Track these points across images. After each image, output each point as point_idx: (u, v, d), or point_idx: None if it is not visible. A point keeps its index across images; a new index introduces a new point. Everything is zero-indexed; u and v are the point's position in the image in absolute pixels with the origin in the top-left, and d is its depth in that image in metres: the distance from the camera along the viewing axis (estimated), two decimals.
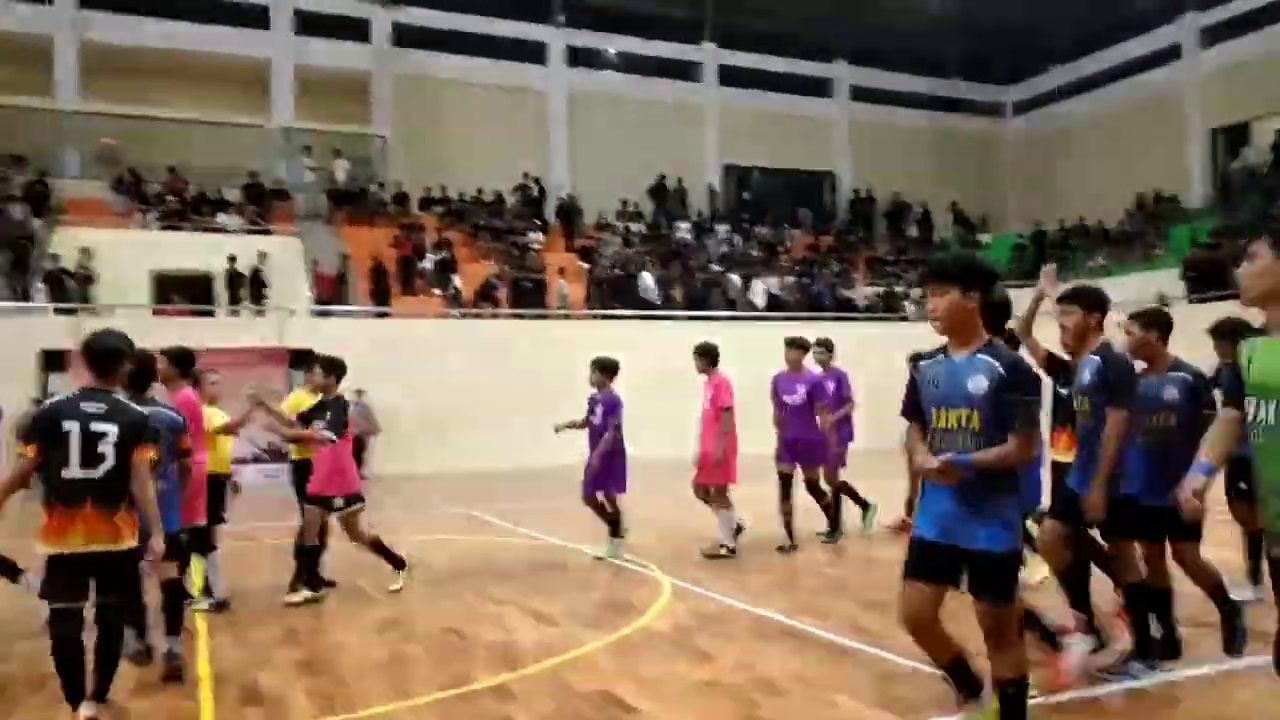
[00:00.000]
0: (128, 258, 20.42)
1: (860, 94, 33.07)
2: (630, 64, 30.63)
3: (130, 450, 4.78)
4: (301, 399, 8.53)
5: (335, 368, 8.03)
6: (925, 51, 33.14)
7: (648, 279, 23.68)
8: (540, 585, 8.12)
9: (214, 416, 7.80)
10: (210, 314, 20.98)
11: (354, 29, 27.49)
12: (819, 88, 32.84)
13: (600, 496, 9.20)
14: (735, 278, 25.22)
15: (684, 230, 27.90)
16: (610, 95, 29.80)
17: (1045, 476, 5.81)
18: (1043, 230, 28.22)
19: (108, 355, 4.95)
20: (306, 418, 7.88)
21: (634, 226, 27.64)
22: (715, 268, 26.02)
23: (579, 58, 29.88)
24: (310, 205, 24.91)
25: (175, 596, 5.82)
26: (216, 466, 7.79)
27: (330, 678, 5.59)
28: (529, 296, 22.61)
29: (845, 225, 31.37)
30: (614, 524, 9.22)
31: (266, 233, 23.29)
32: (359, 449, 19.08)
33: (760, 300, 24.74)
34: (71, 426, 4.72)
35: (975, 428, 3.66)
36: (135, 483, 4.80)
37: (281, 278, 21.73)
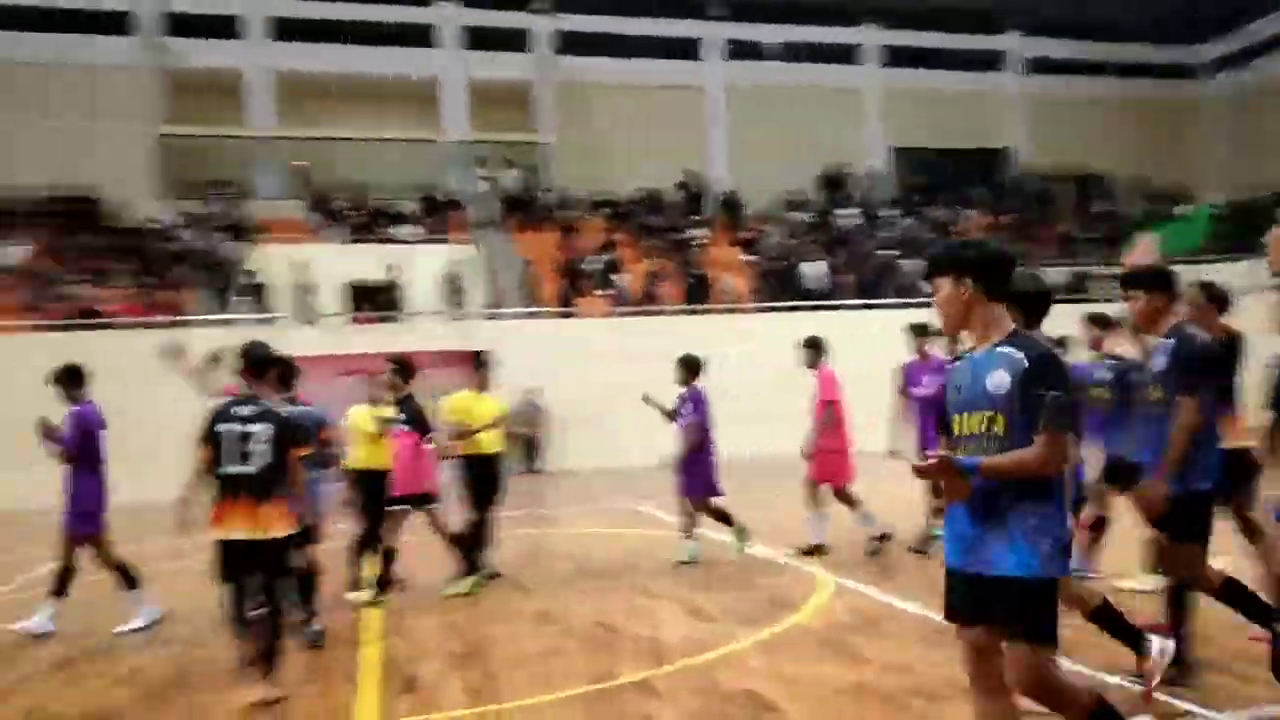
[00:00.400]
0: (322, 271, 21.78)
1: (1036, 65, 31.38)
2: (787, 53, 30.18)
3: (284, 448, 5.23)
4: (464, 401, 8.76)
5: (403, 370, 8.16)
6: (1107, 16, 31.06)
7: (814, 268, 23.28)
8: (699, 581, 8.08)
9: (372, 418, 8.16)
10: (394, 319, 22.10)
11: (515, 40, 28.32)
12: (989, 62, 31.38)
13: (690, 500, 8.91)
14: (908, 263, 24.43)
15: (849, 216, 27.24)
16: (768, 85, 29.45)
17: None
18: (1246, 198, 25.90)
19: (261, 362, 5.44)
20: (389, 421, 7.97)
21: (798, 216, 27.20)
22: (885, 253, 25.30)
23: (735, 50, 29.69)
24: (483, 214, 25.83)
25: (309, 580, 6.41)
26: (380, 463, 8.17)
27: (482, 669, 5.73)
28: (694, 293, 22.63)
29: (1024, 203, 29.80)
30: (720, 521, 8.91)
31: (443, 242, 24.35)
32: (531, 446, 19.81)
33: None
34: (227, 429, 5.19)
35: (999, 431, 3.11)
36: (290, 476, 5.25)
37: (459, 284, 22.65)
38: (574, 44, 28.49)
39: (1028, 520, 3.07)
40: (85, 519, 7.03)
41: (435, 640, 6.48)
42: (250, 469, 5.20)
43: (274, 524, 5.20)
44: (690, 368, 9.11)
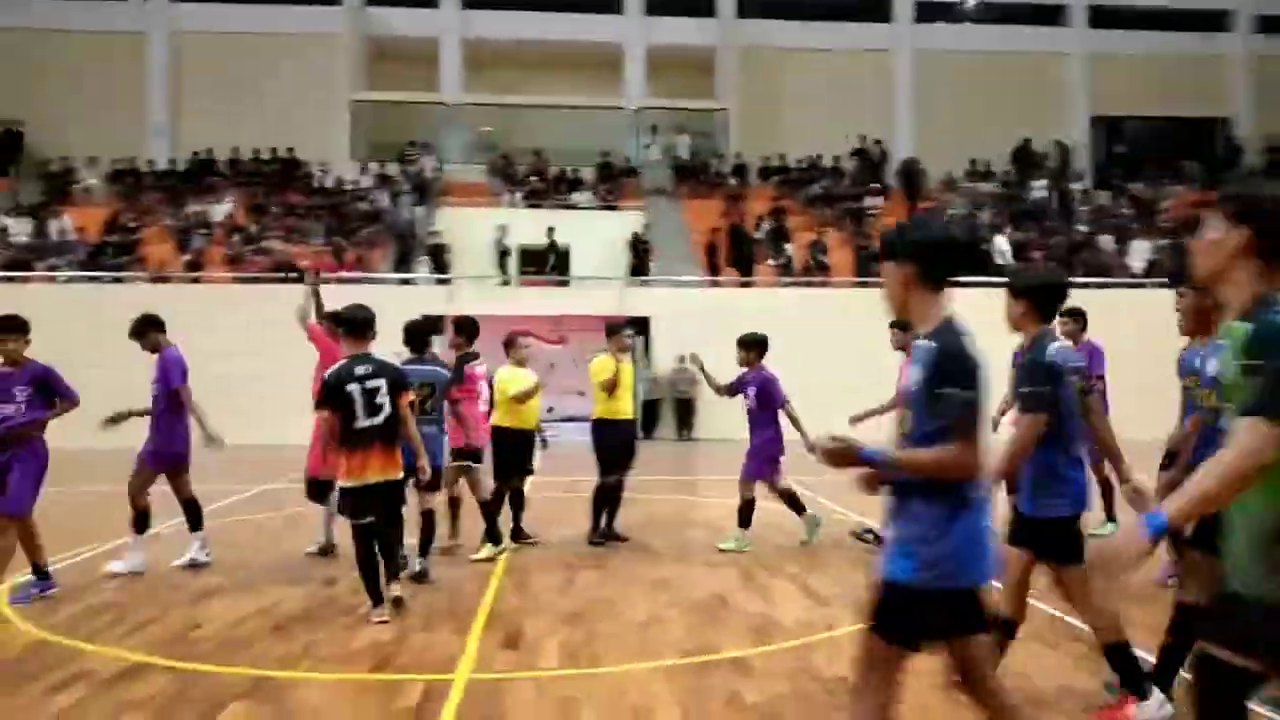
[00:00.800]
0: (491, 233, 22.49)
1: (1265, 24, 28.49)
2: (983, 14, 28.64)
3: (396, 397, 5.88)
4: (606, 364, 8.84)
5: (463, 328, 8.21)
6: None
7: (1000, 243, 22.14)
8: (824, 560, 7.91)
9: (521, 379, 8.39)
10: (565, 284, 22.61)
11: (699, 5, 28.12)
12: (1210, 21, 28.72)
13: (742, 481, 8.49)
14: (1106, 240, 22.91)
15: (1040, 189, 25.71)
16: (960, 50, 28.09)
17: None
18: None
19: (363, 324, 6.03)
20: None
21: (984, 187, 25.90)
22: (1082, 229, 23.78)
23: (925, 12, 28.42)
24: (656, 181, 25.95)
25: (429, 524, 7.08)
26: (523, 423, 8.41)
27: (587, 631, 5.81)
28: (866, 264, 21.98)
29: (1245, 177, 27.25)
30: (745, 515, 8.39)
31: (614, 208, 24.67)
32: (686, 411, 19.86)
33: (1139, 264, 22.32)
34: (355, 388, 5.77)
35: (906, 430, 2.93)
36: (403, 423, 5.94)
37: (626, 252, 22.91)
38: (758, 7, 28.03)
39: (917, 525, 2.86)
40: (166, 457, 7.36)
41: (550, 599, 6.62)
42: (379, 420, 5.84)
43: (398, 467, 5.93)
44: (751, 347, 8.42)
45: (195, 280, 20.31)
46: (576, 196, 24.95)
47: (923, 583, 2.82)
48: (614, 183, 25.51)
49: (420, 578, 6.96)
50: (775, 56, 27.77)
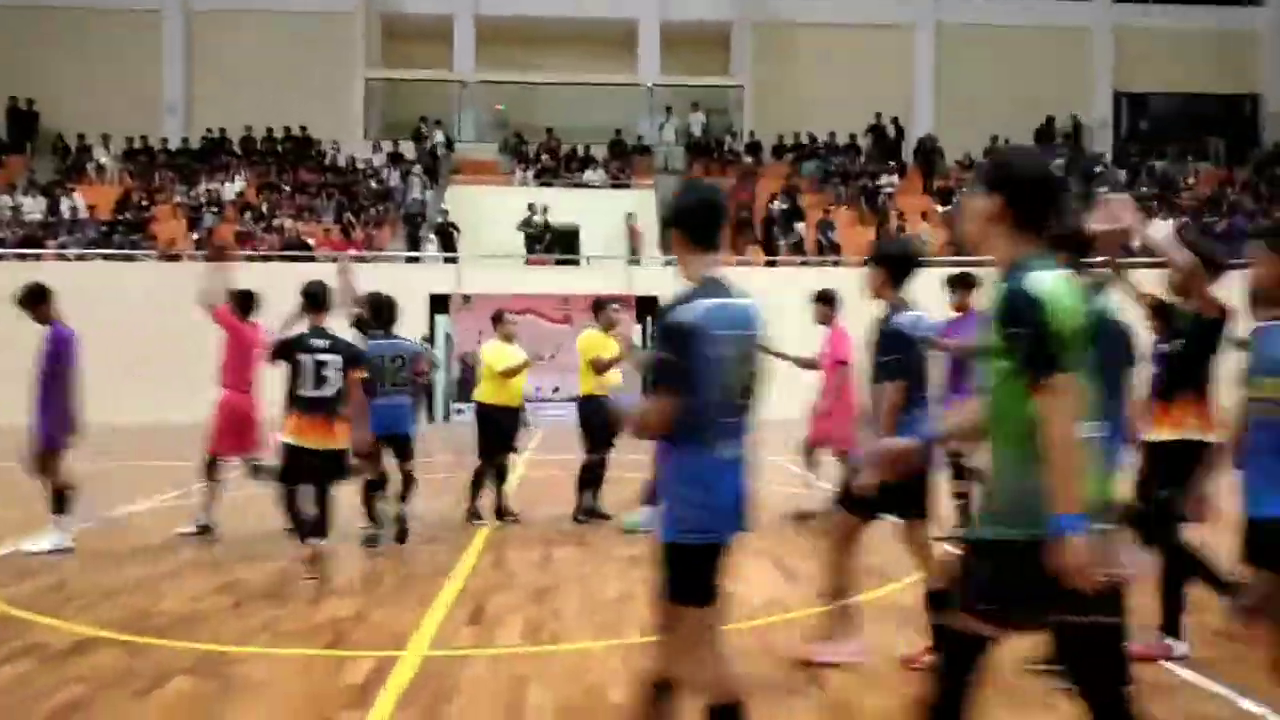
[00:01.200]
0: (507, 212, 22.39)
1: None
2: None
3: (347, 373, 6.10)
4: (594, 340, 8.73)
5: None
6: None
7: None
8: (812, 540, 7.74)
9: (508, 355, 8.31)
10: (575, 263, 22.49)
11: None
12: None
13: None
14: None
15: (1059, 168, 25.21)
16: (982, 25, 27.53)
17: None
18: None
19: (320, 298, 6.23)
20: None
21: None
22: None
23: None
24: (668, 158, 25.72)
25: (409, 481, 7.55)
26: (509, 399, 8.33)
27: (553, 608, 5.71)
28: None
29: (1269, 156, 26.66)
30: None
31: (626, 186, 24.50)
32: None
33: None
34: (305, 358, 6.00)
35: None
36: (349, 398, 6.17)
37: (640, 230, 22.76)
38: None
39: (664, 480, 3.02)
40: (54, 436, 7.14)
41: (524, 575, 6.53)
42: (325, 393, 6.07)
43: (337, 439, 6.15)
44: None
45: (206, 258, 20.32)
46: (588, 175, 24.79)
47: (667, 538, 2.99)
48: (626, 160, 25.31)
49: (401, 537, 7.43)
50: (792, 32, 27.38)
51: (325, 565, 6.16)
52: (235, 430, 7.51)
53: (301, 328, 6.28)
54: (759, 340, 3.09)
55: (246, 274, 19.43)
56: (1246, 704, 3.99)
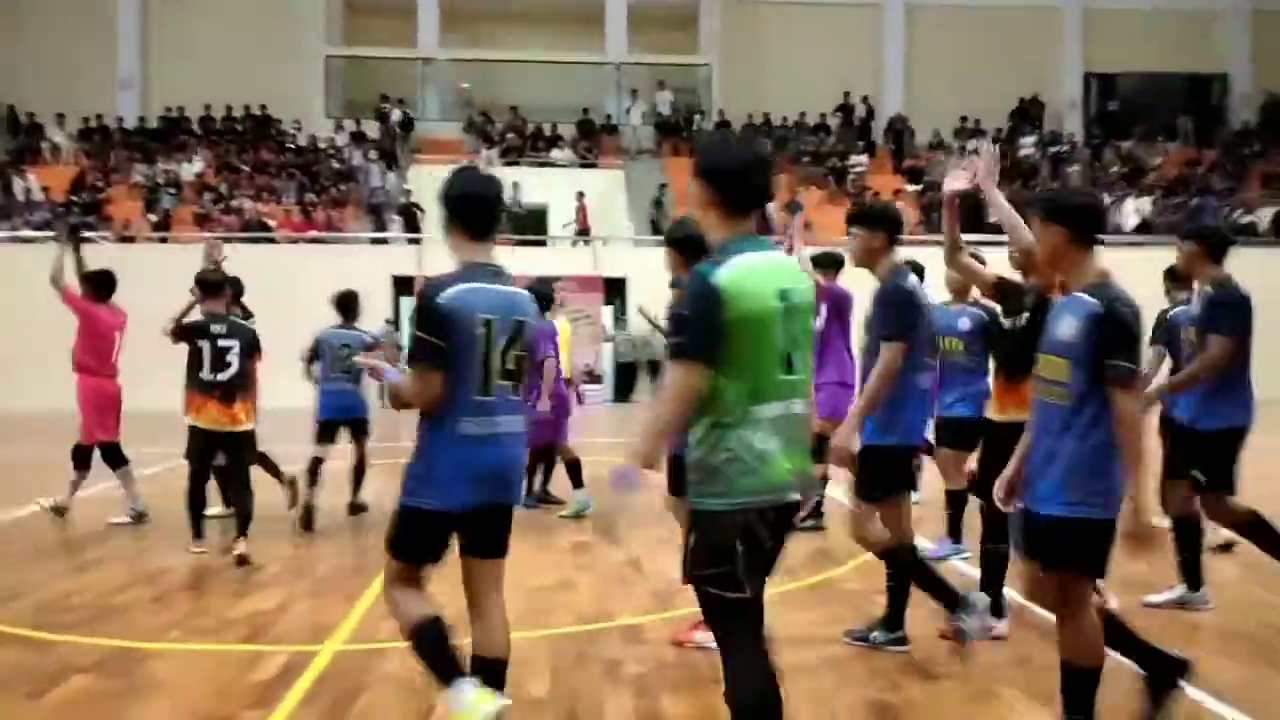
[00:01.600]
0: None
1: None
2: None
3: (247, 358, 6.30)
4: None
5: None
6: None
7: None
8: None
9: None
10: (542, 244, 22.23)
11: None
12: None
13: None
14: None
15: (1028, 147, 25.18)
16: (953, 4, 27.27)
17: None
18: None
19: (216, 285, 6.38)
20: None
21: (972, 145, 25.36)
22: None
23: None
24: (636, 138, 25.44)
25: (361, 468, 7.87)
26: None
27: None
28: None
29: (1236, 136, 26.68)
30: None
31: (593, 166, 24.21)
32: (658, 373, 19.55)
33: (1130, 223, 21.89)
34: (204, 344, 6.21)
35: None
36: (247, 380, 6.45)
37: (605, 210, 22.52)
38: None
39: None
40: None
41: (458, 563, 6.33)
42: (223, 376, 6.27)
43: (238, 421, 6.39)
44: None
45: (162, 240, 19.94)
46: (555, 154, 24.49)
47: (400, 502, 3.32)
48: (594, 140, 25.03)
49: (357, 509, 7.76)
50: (762, 10, 27.06)
51: (250, 555, 6.14)
52: (98, 413, 7.41)
53: (197, 314, 6.44)
54: (520, 323, 3.28)
55: (186, 258, 19.01)
56: None
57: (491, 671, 3.32)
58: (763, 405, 2.70)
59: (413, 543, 3.33)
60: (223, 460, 6.59)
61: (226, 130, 23.99)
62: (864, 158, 24.22)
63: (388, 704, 3.98)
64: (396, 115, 24.46)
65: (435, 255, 20.24)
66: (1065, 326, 3.18)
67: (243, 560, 6.10)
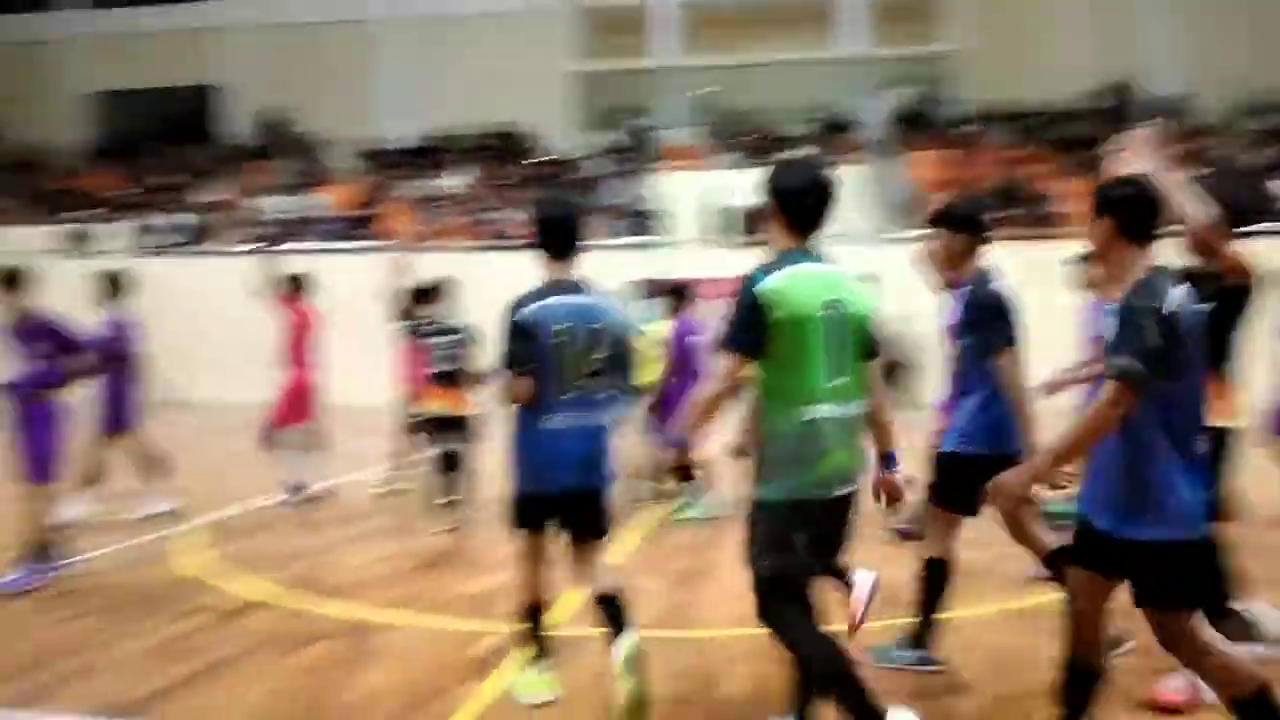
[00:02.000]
0: (706, 196, 22.34)
1: None
2: None
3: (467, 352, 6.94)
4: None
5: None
6: None
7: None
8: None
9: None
10: (763, 244, 22.11)
11: None
12: None
13: None
14: None
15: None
16: None
17: None
18: None
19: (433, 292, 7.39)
20: None
21: (1258, 125, 22.79)
22: None
23: None
24: (877, 133, 24.79)
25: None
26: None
27: (693, 594, 5.59)
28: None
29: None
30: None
31: (833, 165, 23.78)
32: (888, 374, 18.83)
33: None
34: (436, 340, 7.22)
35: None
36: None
37: (846, 206, 22.08)
38: None
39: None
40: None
41: (675, 560, 6.43)
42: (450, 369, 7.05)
43: (466, 405, 7.10)
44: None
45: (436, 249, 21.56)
46: (795, 154, 24.32)
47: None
48: (833, 137, 24.63)
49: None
50: None
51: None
52: (298, 403, 8.28)
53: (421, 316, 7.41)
54: (599, 329, 3.76)
55: (447, 264, 20.40)
56: None
57: (611, 603, 3.76)
58: (812, 406, 3.03)
59: (521, 522, 3.87)
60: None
61: (479, 148, 25.63)
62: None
63: (586, 688, 4.10)
64: (642, 124, 25.22)
65: (677, 259, 20.71)
66: (1108, 330, 2.97)
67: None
